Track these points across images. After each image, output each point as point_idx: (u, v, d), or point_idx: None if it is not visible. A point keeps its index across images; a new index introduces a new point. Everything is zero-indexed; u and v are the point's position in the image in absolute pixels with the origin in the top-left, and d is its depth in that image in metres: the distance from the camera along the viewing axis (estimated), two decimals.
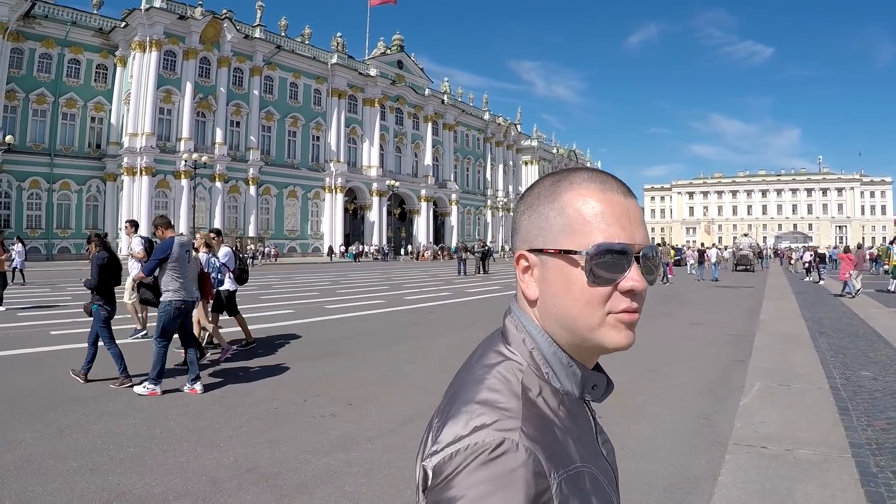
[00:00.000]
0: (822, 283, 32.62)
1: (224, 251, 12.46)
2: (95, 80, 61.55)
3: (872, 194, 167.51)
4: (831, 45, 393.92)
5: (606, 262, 1.01)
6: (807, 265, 38.67)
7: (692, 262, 44.75)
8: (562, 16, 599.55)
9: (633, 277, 1.02)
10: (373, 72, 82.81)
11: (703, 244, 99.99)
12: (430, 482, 0.92)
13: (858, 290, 25.48)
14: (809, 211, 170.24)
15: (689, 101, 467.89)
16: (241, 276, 12.78)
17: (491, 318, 16.78)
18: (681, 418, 7.60)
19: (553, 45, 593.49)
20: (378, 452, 6.24)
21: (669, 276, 37.74)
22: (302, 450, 6.30)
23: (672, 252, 43.52)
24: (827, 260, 51.23)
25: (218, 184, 63.54)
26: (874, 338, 13.36)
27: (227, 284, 12.25)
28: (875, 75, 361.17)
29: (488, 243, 47.38)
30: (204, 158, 54.80)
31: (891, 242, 40.57)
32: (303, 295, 24.38)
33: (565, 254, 1.04)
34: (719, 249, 46.09)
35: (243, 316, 12.79)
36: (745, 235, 65.88)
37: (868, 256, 40.23)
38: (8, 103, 54.92)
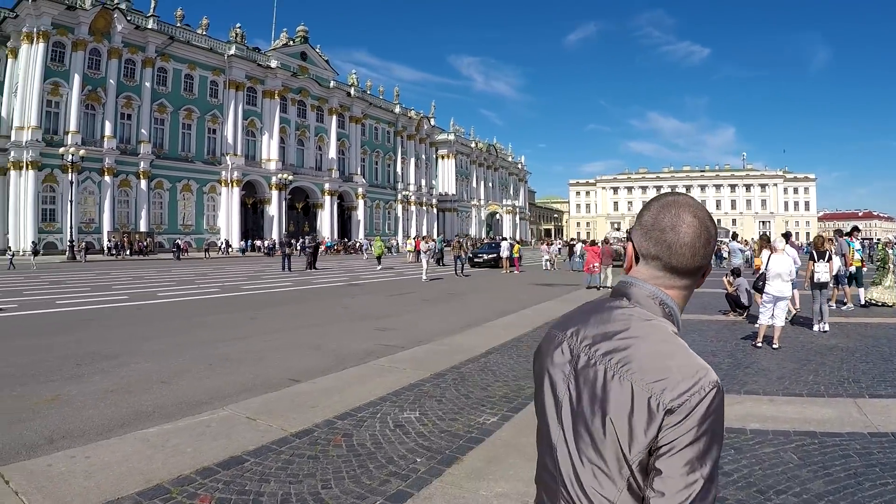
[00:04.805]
0: None
1: None
2: None
3: (796, 190, 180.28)
4: (767, 47, 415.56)
5: None
6: None
7: (546, 257, 47.52)
8: (501, 12, 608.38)
9: None
10: (273, 63, 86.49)
11: (572, 238, 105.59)
12: (682, 412, 1.49)
13: (610, 285, 26.36)
14: (733, 206, 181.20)
15: (627, 99, 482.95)
16: None
17: (187, 320, 17.55)
18: None
19: (493, 40, 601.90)
20: None
21: (515, 270, 41.94)
22: None
23: (517, 246, 46.24)
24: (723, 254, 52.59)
25: (107, 178, 66.23)
26: None
27: None
28: (807, 77, 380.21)
29: (359, 237, 49.28)
30: (82, 152, 57.99)
31: (732, 237, 43.73)
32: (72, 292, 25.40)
33: None
34: (582, 243, 49.81)
35: None
36: (616, 229, 69.32)
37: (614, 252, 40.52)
38: None
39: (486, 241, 58.03)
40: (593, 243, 32.26)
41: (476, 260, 46.53)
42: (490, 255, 47.82)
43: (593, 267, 27.78)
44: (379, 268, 44.83)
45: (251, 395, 8.88)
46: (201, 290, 27.38)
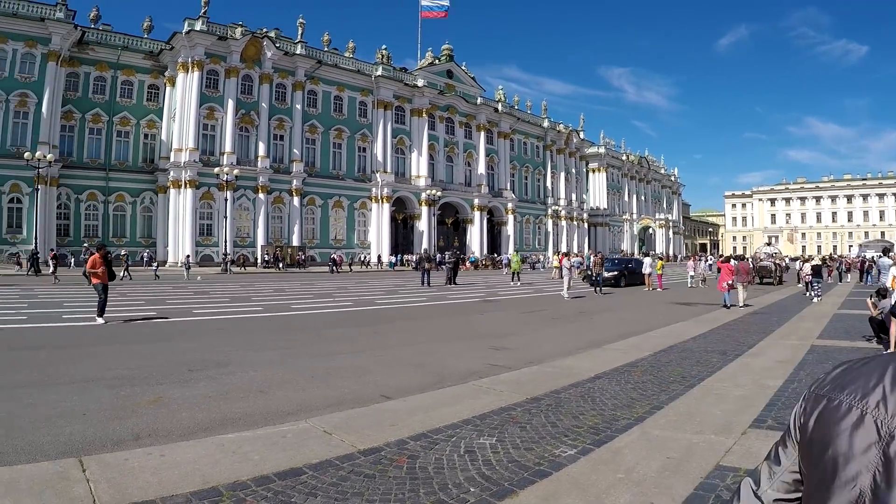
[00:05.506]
0: (815, 300, 29.20)
1: None
2: (147, 99, 68.18)
3: None
4: None
5: None
6: (807, 278, 33.28)
7: (692, 273, 44.47)
8: (649, 20, 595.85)
9: None
10: (420, 82, 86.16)
11: (720, 254, 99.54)
12: None
13: (744, 304, 25.16)
14: None
15: (784, 105, 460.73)
16: None
17: (309, 333, 17.28)
18: None
19: (642, 49, 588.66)
20: None
21: (658, 287, 38.30)
22: None
23: (661, 262, 41.63)
24: (872, 271, 44.02)
25: (261, 195, 68.14)
26: None
27: None
28: None
29: (511, 250, 46.93)
30: (236, 171, 59.93)
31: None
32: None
33: None
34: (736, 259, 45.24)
35: None
36: (768, 244, 64.67)
37: (750, 268, 33.42)
38: (66, 123, 62.29)
39: (606, 258, 53.71)
40: (727, 259, 28.62)
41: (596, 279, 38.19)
42: (610, 273, 41.01)
43: (726, 285, 25.22)
44: (518, 284, 42.62)
45: (339, 409, 8.77)
46: (336, 303, 27.48)
